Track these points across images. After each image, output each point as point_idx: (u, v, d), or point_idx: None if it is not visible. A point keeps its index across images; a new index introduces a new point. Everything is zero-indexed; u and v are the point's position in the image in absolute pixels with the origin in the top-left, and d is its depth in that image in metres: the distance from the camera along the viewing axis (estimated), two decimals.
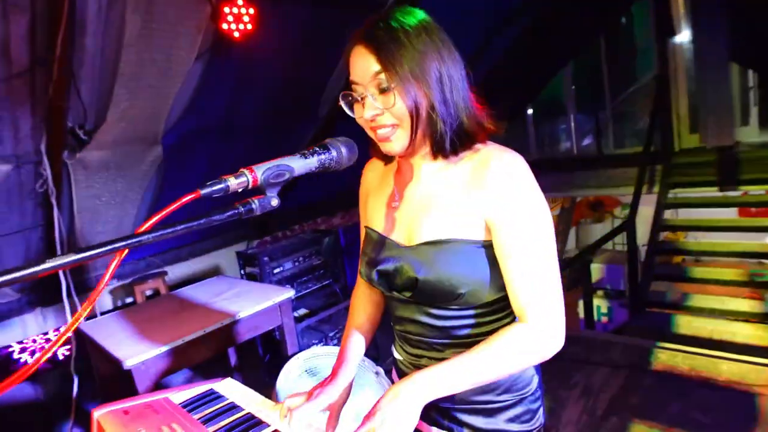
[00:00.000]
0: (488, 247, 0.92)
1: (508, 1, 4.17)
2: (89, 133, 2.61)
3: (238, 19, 2.35)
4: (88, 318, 2.96)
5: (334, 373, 1.08)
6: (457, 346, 0.98)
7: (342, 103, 0.94)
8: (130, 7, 2.16)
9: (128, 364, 1.89)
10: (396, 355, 1.15)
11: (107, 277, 0.62)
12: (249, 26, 2.40)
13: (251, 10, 2.38)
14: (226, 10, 2.32)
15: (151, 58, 2.46)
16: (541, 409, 1.05)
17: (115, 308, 3.51)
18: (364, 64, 0.88)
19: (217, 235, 3.99)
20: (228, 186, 0.70)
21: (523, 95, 5.74)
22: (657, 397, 2.55)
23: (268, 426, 1.04)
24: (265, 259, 2.91)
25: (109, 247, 0.60)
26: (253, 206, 0.73)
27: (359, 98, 0.91)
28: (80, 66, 2.29)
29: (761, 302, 4.33)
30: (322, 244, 3.21)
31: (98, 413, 1.15)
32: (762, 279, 4.35)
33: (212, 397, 1.21)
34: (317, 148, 0.84)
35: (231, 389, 1.25)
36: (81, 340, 2.62)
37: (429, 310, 0.98)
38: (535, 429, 1.03)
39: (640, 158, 4.73)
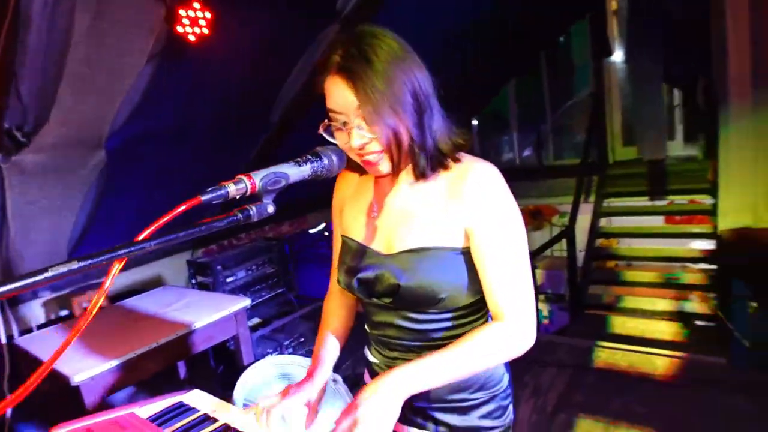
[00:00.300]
0: (466, 253, 0.96)
1: (458, 24, 4.30)
2: (28, 135, 2.46)
3: (194, 22, 2.30)
4: (22, 333, 2.77)
5: (310, 373, 1.10)
6: (434, 348, 1.01)
7: (322, 131, 0.95)
8: (80, 4, 2.06)
9: (76, 380, 1.79)
10: (371, 358, 1.17)
11: (107, 285, 0.61)
12: (205, 30, 2.35)
13: (208, 14, 2.33)
14: (182, 12, 2.26)
15: (100, 58, 2.35)
16: (511, 406, 1.11)
17: (49, 322, 3.28)
18: (343, 96, 0.88)
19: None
20: (228, 192, 0.70)
21: (470, 109, 5.95)
22: (600, 393, 2.71)
23: None
24: (219, 267, 2.84)
25: (110, 255, 0.59)
26: (251, 212, 0.73)
27: (341, 126, 0.92)
28: (22, 64, 2.16)
29: (681, 302, 4.70)
30: (274, 252, 3.17)
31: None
32: (678, 281, 4.72)
33: (182, 409, 1.18)
34: (309, 156, 0.85)
35: (200, 400, 1.22)
36: (14, 357, 2.44)
37: (408, 315, 1.02)
38: (505, 424, 1.08)
39: (578, 169, 5.01)
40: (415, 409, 1.07)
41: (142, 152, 3.11)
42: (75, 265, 0.54)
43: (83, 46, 2.19)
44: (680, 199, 5.04)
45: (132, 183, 3.13)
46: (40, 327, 2.92)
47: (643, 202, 5.13)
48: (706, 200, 4.69)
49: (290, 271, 3.29)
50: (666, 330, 4.01)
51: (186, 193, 0.73)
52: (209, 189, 0.69)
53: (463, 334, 1.00)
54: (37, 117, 2.42)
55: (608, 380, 2.84)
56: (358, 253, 1.06)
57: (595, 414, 2.53)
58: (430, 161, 0.95)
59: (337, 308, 1.23)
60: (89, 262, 0.56)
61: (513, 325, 0.94)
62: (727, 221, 4.12)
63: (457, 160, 0.98)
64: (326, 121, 0.94)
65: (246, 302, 2.33)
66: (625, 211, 5.14)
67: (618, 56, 5.28)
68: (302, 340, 3.12)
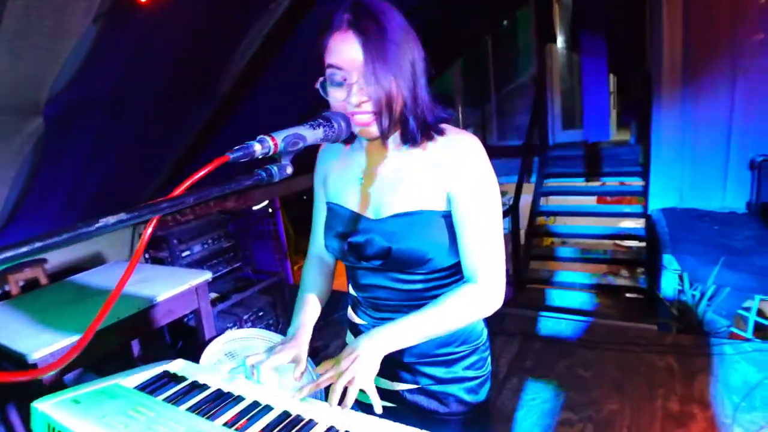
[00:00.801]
0: (448, 216, 1.03)
1: (406, 2, 4.31)
2: None
3: None
4: None
5: (294, 334, 1.11)
6: (421, 306, 1.07)
7: (318, 86, 0.97)
8: None
9: (34, 357, 1.70)
10: (356, 320, 1.21)
11: (144, 241, 0.61)
12: None
13: None
14: None
15: (40, 15, 2.18)
16: (489, 357, 1.20)
17: None
18: (350, 52, 0.91)
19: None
20: (254, 151, 0.71)
21: None
22: (546, 359, 2.91)
23: (243, 399, 1.03)
24: (175, 241, 2.75)
25: (152, 208, 0.59)
26: (273, 172, 0.74)
27: (340, 82, 0.94)
28: None
29: (612, 276, 5.08)
30: (229, 227, 3.11)
31: (42, 406, 1.04)
32: (609, 257, 5.08)
33: (169, 377, 1.16)
34: (321, 120, 0.86)
35: (186, 369, 1.21)
36: None
37: (396, 276, 1.07)
38: (486, 374, 1.18)
39: (521, 150, 5.22)
40: (404, 364, 1.12)
41: (81, 122, 2.92)
42: (123, 216, 0.54)
43: (21, 2, 2.02)
44: (613, 181, 5.40)
45: (69, 156, 2.94)
46: None
47: (579, 183, 5.44)
48: (636, 182, 5.04)
49: (246, 245, 3.24)
50: (600, 302, 4.33)
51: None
52: (236, 148, 0.69)
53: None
54: None
55: (553, 347, 3.05)
56: (348, 219, 1.09)
57: (544, 377, 2.71)
58: (418, 129, 1.00)
59: (316, 274, 1.26)
60: (135, 214, 0.56)
61: (484, 287, 1.01)
62: (656, 201, 4.46)
63: (441, 132, 1.03)
64: (324, 77, 0.96)
65: (207, 275, 2.29)
66: (563, 192, 5.44)
67: (560, 42, 5.51)
68: (261, 314, 3.10)
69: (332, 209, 1.14)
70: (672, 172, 4.37)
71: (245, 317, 2.98)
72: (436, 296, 1.06)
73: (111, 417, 0.96)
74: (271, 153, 0.74)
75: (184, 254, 2.81)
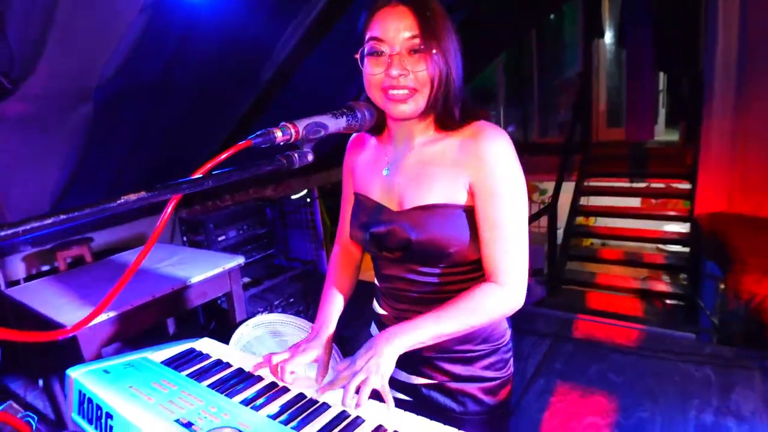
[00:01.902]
0: (472, 211, 1.01)
1: None
2: (14, 82, 2.38)
3: None
4: (8, 285, 2.74)
5: (316, 330, 1.14)
6: (441, 300, 1.07)
7: (357, 57, 0.99)
8: None
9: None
10: (380, 311, 1.22)
11: (165, 218, 0.63)
12: None
13: None
14: None
15: (91, 7, 2.28)
16: (512, 360, 1.18)
17: (31, 277, 3.23)
18: (400, 24, 0.93)
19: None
20: (275, 137, 0.72)
21: None
22: (577, 362, 2.84)
23: (262, 379, 1.06)
24: (211, 226, 2.83)
25: (173, 188, 0.61)
26: (294, 158, 0.75)
27: (381, 54, 0.95)
28: (9, 6, 2.07)
29: (653, 281, 4.90)
30: (265, 214, 3.17)
31: (75, 373, 1.10)
32: (650, 261, 4.90)
33: (194, 354, 1.21)
34: (345, 110, 0.87)
35: (211, 347, 1.25)
36: (3, 308, 2.41)
37: (417, 269, 1.07)
38: (506, 376, 1.15)
39: (562, 148, 5.09)
40: (423, 358, 1.12)
41: (129, 107, 3.04)
42: (144, 194, 0.56)
43: None
44: (658, 182, 5.20)
45: (117, 138, 3.07)
46: (26, 280, 2.89)
47: (622, 183, 5.26)
48: (682, 185, 4.84)
49: (281, 232, 3.30)
50: (638, 307, 4.19)
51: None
52: (258, 133, 0.71)
53: (470, 287, 1.06)
54: (25, 64, 2.34)
55: (585, 350, 2.98)
56: (371, 210, 1.10)
57: (573, 380, 2.66)
58: (451, 114, 1.00)
59: (343, 266, 1.27)
60: (155, 193, 0.58)
61: (505, 286, 0.99)
62: (703, 204, 4.27)
63: (471, 124, 1.02)
64: (364, 49, 0.97)
65: (240, 260, 2.35)
66: (605, 191, 5.28)
67: (608, 38, 5.33)
68: (291, 300, 3.16)
69: (358, 200, 1.15)
70: (721, 174, 4.16)
71: (276, 303, 3.05)
72: (454, 290, 1.05)
73: (136, 387, 1.01)
74: (292, 140, 0.75)
75: (219, 239, 2.90)
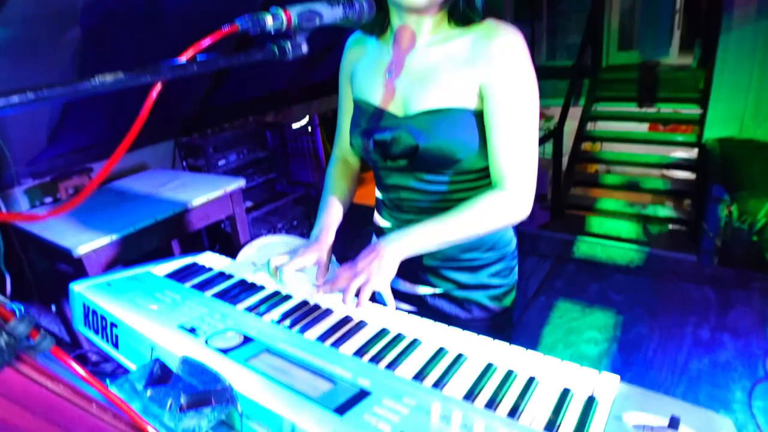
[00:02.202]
0: (481, 115, 0.96)
1: None
2: None
3: None
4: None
5: (315, 235, 1.10)
6: (447, 210, 1.05)
7: None
8: None
9: (79, 252, 1.80)
10: (380, 223, 1.20)
11: (149, 105, 0.59)
12: None
13: None
14: None
15: None
16: (516, 267, 1.17)
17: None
18: None
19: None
20: (264, 23, 0.67)
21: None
22: (578, 281, 2.89)
23: (264, 288, 1.06)
24: (210, 149, 2.79)
25: (155, 74, 0.56)
26: (287, 48, 0.70)
27: None
28: None
29: (657, 206, 4.88)
30: (266, 138, 3.11)
31: (79, 287, 1.11)
32: (655, 187, 4.86)
33: (197, 267, 1.21)
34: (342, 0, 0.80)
35: (213, 261, 1.25)
36: (7, 236, 2.43)
37: (423, 177, 1.03)
38: (511, 283, 1.15)
39: (571, 71, 4.91)
40: (428, 268, 1.12)
41: (117, 30, 2.90)
42: (122, 76, 0.52)
43: None
44: (668, 108, 5.04)
45: (108, 64, 2.95)
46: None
47: (631, 108, 5.11)
48: (693, 110, 4.70)
49: (282, 158, 3.25)
50: (641, 231, 4.20)
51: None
52: (246, 16, 0.65)
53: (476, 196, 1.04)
54: None
55: (586, 270, 3.02)
56: (374, 116, 1.05)
57: (573, 298, 2.70)
58: (472, 4, 0.94)
59: (341, 176, 1.23)
60: (133, 75, 0.54)
61: (513, 193, 0.96)
62: (713, 130, 4.17)
63: (482, 21, 0.96)
64: None
65: (241, 182, 2.33)
66: (613, 116, 5.14)
67: None
68: (295, 223, 3.17)
69: (358, 105, 1.09)
70: (734, 99, 4.03)
71: (279, 225, 3.06)
72: (462, 199, 1.02)
73: (141, 299, 1.01)
74: (284, 28, 0.70)
75: (220, 163, 2.85)
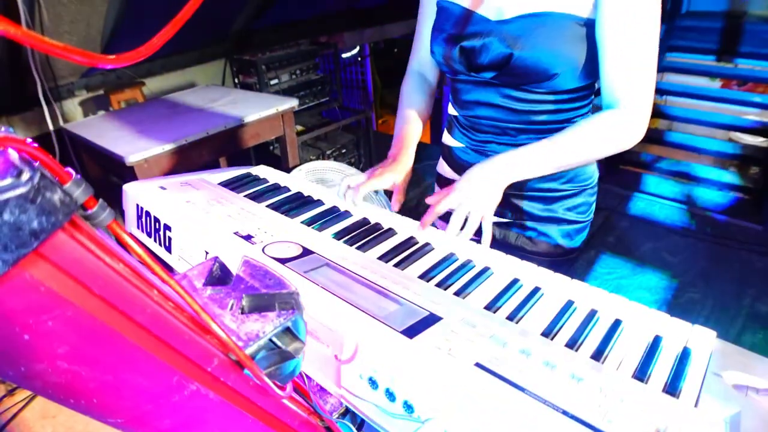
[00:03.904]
0: (590, 25, 0.83)
1: None
2: None
3: None
4: (65, 121, 2.77)
5: (395, 156, 1.01)
6: (532, 132, 0.95)
7: None
8: None
9: (131, 160, 1.79)
10: (452, 142, 1.10)
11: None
12: None
13: None
14: None
15: None
16: (595, 204, 1.07)
17: None
18: None
19: (193, 50, 3.66)
20: None
21: None
22: (632, 238, 2.75)
23: (321, 203, 1.01)
24: (263, 67, 2.70)
25: None
26: None
27: None
28: None
29: (721, 170, 4.58)
30: (321, 58, 2.99)
31: (131, 188, 1.08)
32: (721, 150, 4.53)
33: (251, 178, 1.16)
34: None
35: (269, 173, 1.21)
36: (62, 142, 2.46)
37: (510, 93, 0.93)
38: (587, 221, 1.06)
39: None
40: None
41: None
42: None
43: None
44: (748, 64, 4.61)
45: None
46: None
47: (708, 60, 4.69)
48: None
49: (338, 79, 3.12)
50: (701, 195, 3.95)
51: None
52: None
53: (567, 120, 0.93)
54: None
55: (641, 228, 2.87)
56: (461, 19, 0.92)
57: (625, 254, 2.59)
58: None
59: (417, 90, 1.11)
60: None
61: (631, 113, 0.84)
62: None
63: None
64: None
65: (294, 103, 2.26)
66: (685, 70, 4.74)
67: None
68: (344, 151, 3.10)
69: (443, 7, 0.96)
70: None
71: (328, 152, 3.00)
72: (547, 122, 0.92)
73: (193, 203, 0.98)
74: None
75: (272, 82, 2.77)
